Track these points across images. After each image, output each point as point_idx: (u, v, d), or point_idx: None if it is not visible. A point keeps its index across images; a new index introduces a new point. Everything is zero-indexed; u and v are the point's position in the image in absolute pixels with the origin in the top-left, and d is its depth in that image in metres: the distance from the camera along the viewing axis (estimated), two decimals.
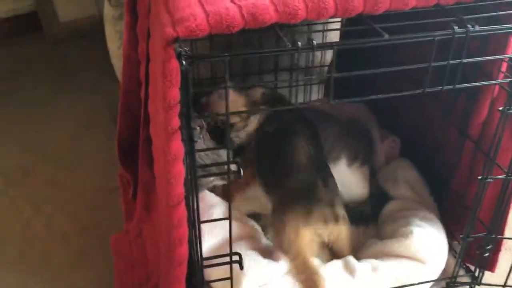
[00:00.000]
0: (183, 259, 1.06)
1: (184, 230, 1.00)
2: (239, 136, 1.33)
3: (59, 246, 1.43)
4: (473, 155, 1.17)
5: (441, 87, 0.90)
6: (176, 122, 0.86)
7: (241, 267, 1.00)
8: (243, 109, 1.33)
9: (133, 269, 1.32)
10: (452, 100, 1.21)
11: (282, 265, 1.11)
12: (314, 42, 0.77)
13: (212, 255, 1.09)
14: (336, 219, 1.18)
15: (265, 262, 1.11)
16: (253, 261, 1.10)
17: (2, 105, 2.14)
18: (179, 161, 0.91)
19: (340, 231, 1.19)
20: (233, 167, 0.88)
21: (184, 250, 1.04)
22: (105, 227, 1.48)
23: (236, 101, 1.33)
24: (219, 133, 1.30)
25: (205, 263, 1.01)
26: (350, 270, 1.14)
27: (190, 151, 0.82)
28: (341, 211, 1.19)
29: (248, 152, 1.32)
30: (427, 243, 1.16)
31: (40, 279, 1.33)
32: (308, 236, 1.13)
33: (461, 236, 1.11)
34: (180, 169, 0.92)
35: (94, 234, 1.46)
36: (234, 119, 1.32)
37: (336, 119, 1.52)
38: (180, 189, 0.95)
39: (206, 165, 0.93)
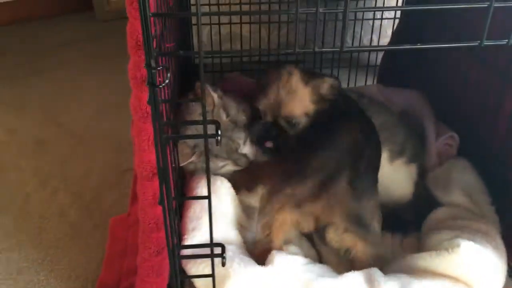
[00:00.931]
0: (162, 248, 0.88)
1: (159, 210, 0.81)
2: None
3: (55, 222, 1.30)
4: None
5: (506, 41, 0.65)
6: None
7: (223, 263, 0.80)
8: (310, 106, 1.10)
9: (124, 256, 1.16)
10: None
11: (271, 270, 0.90)
12: None
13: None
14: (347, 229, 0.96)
15: (255, 266, 0.90)
16: (242, 263, 0.89)
17: (39, 78, 2.09)
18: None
19: (355, 245, 0.97)
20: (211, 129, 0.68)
21: (162, 236, 0.85)
22: (107, 209, 1.33)
23: (302, 95, 1.10)
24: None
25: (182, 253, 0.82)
26: (372, 285, 0.90)
27: (152, 97, 0.62)
28: (363, 222, 0.96)
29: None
30: (478, 261, 0.90)
31: (26, 253, 1.21)
32: (288, 219, 0.96)
33: None
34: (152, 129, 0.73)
35: (94, 215, 1.32)
36: (300, 119, 1.10)
37: (385, 107, 1.28)
38: (153, 157, 0.76)
39: (179, 122, 0.73)
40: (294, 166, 0.99)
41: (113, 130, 1.68)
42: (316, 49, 0.61)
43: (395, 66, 1.55)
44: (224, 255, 0.79)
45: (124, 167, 1.50)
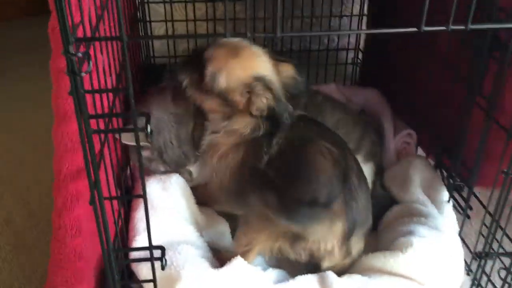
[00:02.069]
0: (81, 252, 0.80)
1: (79, 213, 0.76)
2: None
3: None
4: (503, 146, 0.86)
5: (445, 27, 0.62)
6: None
7: (162, 267, 0.75)
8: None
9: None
10: (478, 75, 0.92)
11: (225, 274, 0.85)
12: None
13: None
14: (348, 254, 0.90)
15: (208, 268, 0.86)
16: (194, 265, 0.85)
17: None
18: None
19: (342, 264, 0.92)
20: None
21: (83, 241, 0.78)
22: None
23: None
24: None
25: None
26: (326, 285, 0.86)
27: (74, 87, 0.58)
28: (355, 247, 0.90)
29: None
30: (431, 261, 0.87)
31: None
32: (271, 247, 0.88)
33: (476, 252, 0.81)
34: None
35: (40, 223, 1.25)
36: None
37: (340, 104, 1.25)
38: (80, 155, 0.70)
39: (105, 115, 0.68)
40: (276, 195, 0.83)
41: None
42: (248, 34, 0.57)
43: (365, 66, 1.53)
44: (164, 258, 0.75)
45: None
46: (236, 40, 0.95)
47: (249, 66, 0.92)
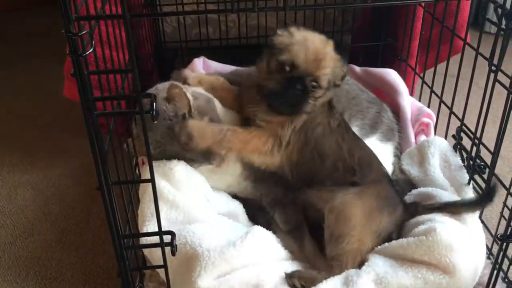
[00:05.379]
0: None
1: None
2: None
3: (14, 219, 1.24)
4: None
5: None
6: None
7: (173, 252, 0.73)
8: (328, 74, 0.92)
9: None
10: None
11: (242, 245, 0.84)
12: None
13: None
14: None
15: (226, 243, 0.84)
16: (209, 242, 0.83)
17: (10, 69, 2.03)
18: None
19: None
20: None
21: None
22: (68, 203, 1.28)
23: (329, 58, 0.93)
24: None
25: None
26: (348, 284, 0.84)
27: (76, 68, 0.56)
28: None
29: None
30: (454, 246, 0.83)
31: None
32: None
33: (499, 236, 0.77)
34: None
35: (53, 211, 1.26)
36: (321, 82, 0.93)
37: (356, 84, 1.20)
38: None
39: (109, 98, 0.66)
40: None
41: (81, 121, 1.60)
42: (256, 9, 0.55)
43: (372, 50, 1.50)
44: (174, 243, 0.73)
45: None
46: None
47: None
